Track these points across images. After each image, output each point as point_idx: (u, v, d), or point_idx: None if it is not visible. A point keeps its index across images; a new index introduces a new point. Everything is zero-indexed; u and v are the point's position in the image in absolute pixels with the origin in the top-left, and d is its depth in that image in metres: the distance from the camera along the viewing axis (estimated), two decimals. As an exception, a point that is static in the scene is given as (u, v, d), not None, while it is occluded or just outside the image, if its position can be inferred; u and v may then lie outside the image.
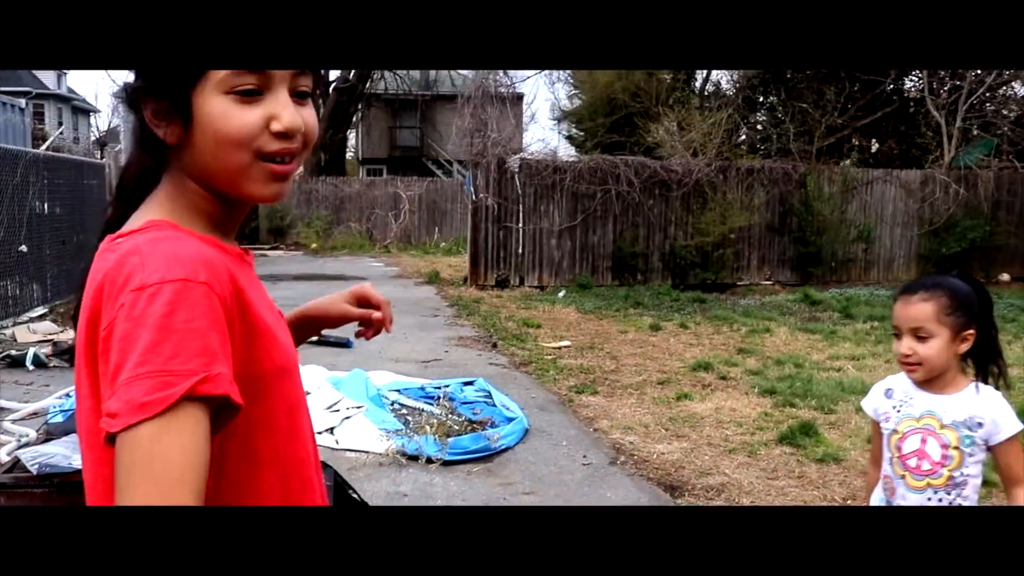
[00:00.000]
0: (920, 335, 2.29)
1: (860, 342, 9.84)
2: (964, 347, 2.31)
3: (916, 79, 20.89)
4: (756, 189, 15.58)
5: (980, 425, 2.30)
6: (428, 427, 5.90)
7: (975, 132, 19.09)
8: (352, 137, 39.60)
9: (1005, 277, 16.46)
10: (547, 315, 11.76)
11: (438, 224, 25.80)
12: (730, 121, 17.67)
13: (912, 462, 2.35)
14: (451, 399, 6.68)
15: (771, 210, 15.79)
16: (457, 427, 6.03)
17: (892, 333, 2.39)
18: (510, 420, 6.16)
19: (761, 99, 23.89)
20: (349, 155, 40.00)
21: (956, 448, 2.30)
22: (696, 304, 13.03)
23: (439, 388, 6.99)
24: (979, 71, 17.50)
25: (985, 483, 2.50)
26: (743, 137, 21.98)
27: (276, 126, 1.13)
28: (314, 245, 23.35)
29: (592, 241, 15.18)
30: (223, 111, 1.12)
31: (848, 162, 18.27)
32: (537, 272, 15.03)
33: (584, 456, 5.65)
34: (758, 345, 9.53)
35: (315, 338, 7.58)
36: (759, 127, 23.55)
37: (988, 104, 19.16)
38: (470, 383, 7.27)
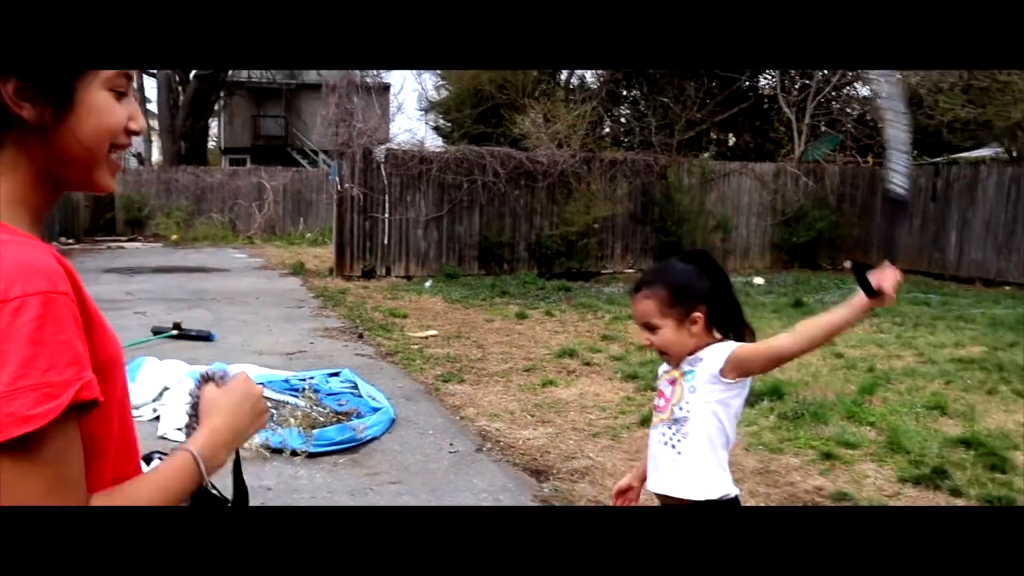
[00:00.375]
0: (650, 327, 2.47)
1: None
2: (696, 327, 2.46)
3: (770, 77, 21.75)
4: (619, 180, 15.95)
5: (700, 360, 2.45)
6: (292, 419, 5.81)
7: (822, 128, 20.08)
8: (214, 126, 38.45)
9: (848, 264, 17.36)
10: (414, 305, 11.75)
11: (303, 215, 25.36)
12: (594, 114, 18.04)
13: (659, 402, 2.52)
14: (316, 391, 6.61)
15: (634, 201, 16.20)
16: (322, 419, 5.97)
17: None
18: (376, 410, 6.15)
19: (624, 93, 24.38)
20: (211, 144, 38.80)
21: (679, 384, 2.47)
22: (561, 292, 13.26)
23: (304, 380, 6.90)
24: (826, 71, 18.38)
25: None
26: (607, 130, 22.45)
27: (134, 125, 1.23)
28: (174, 236, 22.58)
29: (459, 231, 15.24)
30: (108, 105, 1.19)
31: (707, 155, 18.91)
32: (404, 262, 14.99)
33: (451, 444, 5.70)
34: (621, 332, 9.78)
35: (175, 332, 7.43)
36: (622, 120, 24.09)
37: (834, 102, 20.17)
38: (336, 374, 7.22)
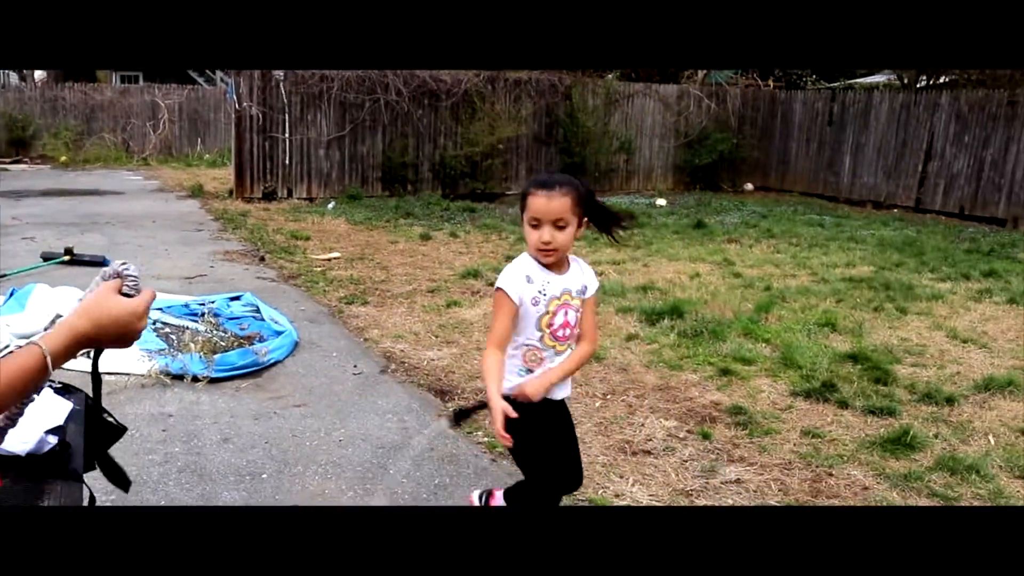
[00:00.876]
0: (559, 225, 2.65)
1: (621, 247, 10.35)
2: (581, 233, 2.76)
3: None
4: (524, 100, 15.84)
5: (586, 288, 2.85)
6: (193, 345, 5.70)
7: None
8: (100, 39, 36.57)
9: (749, 187, 17.75)
10: (316, 227, 11.56)
11: (201, 135, 24.50)
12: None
13: (560, 332, 2.79)
14: (216, 315, 6.49)
15: (538, 121, 16.14)
16: (224, 343, 5.87)
17: (531, 224, 2.69)
18: (279, 334, 6.08)
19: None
20: (98, 59, 36.92)
21: (578, 312, 2.84)
22: (466, 213, 13.22)
23: (204, 304, 6.76)
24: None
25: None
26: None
27: None
28: (63, 158, 21.56)
29: (361, 151, 14.97)
30: None
31: (611, 76, 18.88)
32: (306, 184, 14.68)
33: (355, 366, 5.68)
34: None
35: (67, 257, 7.21)
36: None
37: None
38: (237, 298, 7.09)
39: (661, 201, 15.37)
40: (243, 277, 8.32)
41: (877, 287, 8.38)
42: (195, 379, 5.25)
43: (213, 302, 6.82)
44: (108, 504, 2.89)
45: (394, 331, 6.50)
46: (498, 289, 2.76)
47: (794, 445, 4.60)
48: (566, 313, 2.77)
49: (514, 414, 2.58)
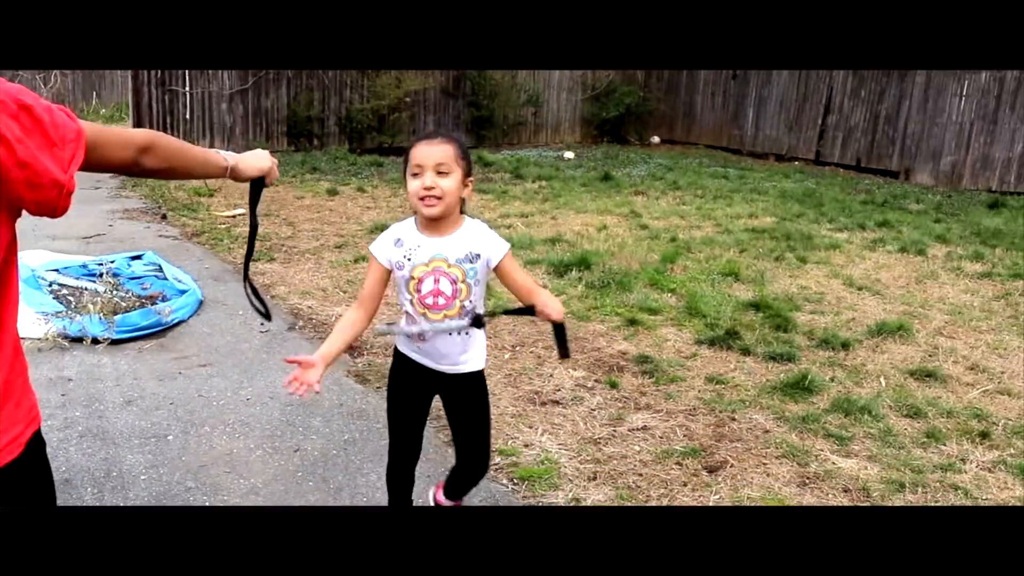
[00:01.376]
0: (441, 171, 2.56)
1: (529, 200, 10.39)
2: (467, 192, 2.67)
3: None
4: (431, 53, 15.64)
5: (478, 256, 2.66)
6: (92, 306, 5.54)
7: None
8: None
9: (655, 140, 17.94)
10: (220, 183, 11.28)
11: (96, 88, 23.57)
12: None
13: (430, 300, 2.66)
14: (116, 275, 6.30)
15: (445, 74, 15.97)
16: (125, 304, 5.71)
17: (412, 174, 2.58)
18: (183, 292, 5.95)
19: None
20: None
21: (464, 282, 2.66)
22: (373, 168, 13.06)
23: (103, 264, 6.55)
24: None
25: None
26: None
27: None
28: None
29: (265, 105, 14.60)
30: None
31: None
32: (208, 139, 14.26)
33: (261, 324, 5.59)
34: (434, 207, 9.78)
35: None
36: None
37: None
38: (138, 257, 6.90)
39: (569, 154, 15.44)
40: (144, 235, 8.09)
41: (779, 237, 8.61)
42: (95, 341, 5.11)
43: (113, 262, 6.61)
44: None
45: (301, 287, 6.42)
46: (370, 250, 2.74)
47: (699, 392, 4.72)
48: (436, 280, 2.64)
49: (308, 380, 2.57)
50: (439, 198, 2.56)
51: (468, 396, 2.87)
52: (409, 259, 2.64)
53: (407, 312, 2.72)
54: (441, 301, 2.65)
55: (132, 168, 1.71)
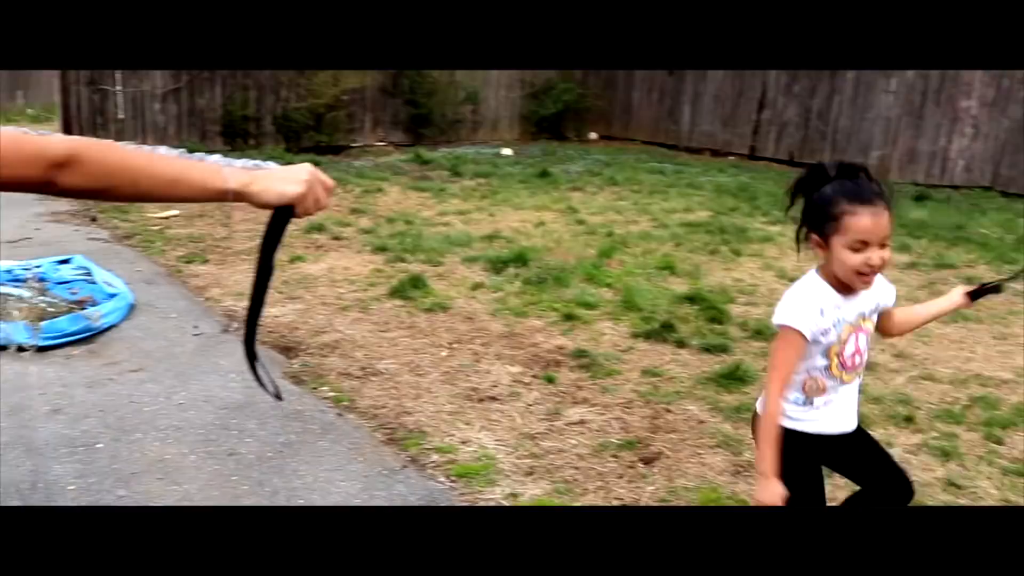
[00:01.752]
0: (885, 243, 2.30)
1: (467, 198, 10.38)
2: None
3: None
4: (367, 51, 15.53)
5: (878, 305, 2.50)
6: (17, 312, 5.40)
7: None
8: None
9: (593, 136, 18.04)
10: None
11: (22, 87, 22.97)
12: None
13: (849, 362, 2.44)
14: (42, 279, 6.15)
15: (383, 72, 15.87)
16: (52, 309, 5.58)
17: (853, 248, 2.28)
18: (113, 296, 5.83)
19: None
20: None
21: (865, 333, 2.48)
22: (311, 168, 12.92)
23: (29, 269, 6.39)
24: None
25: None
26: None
27: None
28: None
29: (200, 105, 14.37)
30: None
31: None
32: (141, 139, 13.96)
33: (195, 327, 5.52)
34: (371, 204, 9.74)
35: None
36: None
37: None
38: (66, 261, 6.73)
39: (507, 151, 15.45)
40: (73, 239, 7.91)
41: (713, 231, 8.72)
42: (20, 349, 4.99)
43: (39, 266, 6.45)
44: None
45: (236, 289, 6.34)
46: (785, 327, 2.41)
47: (635, 384, 4.77)
48: (857, 338, 2.43)
49: (781, 499, 2.30)
50: (869, 274, 2.31)
51: (864, 439, 2.66)
52: (836, 325, 2.39)
53: (813, 378, 2.45)
54: (858, 360, 2.46)
55: (44, 188, 1.38)
